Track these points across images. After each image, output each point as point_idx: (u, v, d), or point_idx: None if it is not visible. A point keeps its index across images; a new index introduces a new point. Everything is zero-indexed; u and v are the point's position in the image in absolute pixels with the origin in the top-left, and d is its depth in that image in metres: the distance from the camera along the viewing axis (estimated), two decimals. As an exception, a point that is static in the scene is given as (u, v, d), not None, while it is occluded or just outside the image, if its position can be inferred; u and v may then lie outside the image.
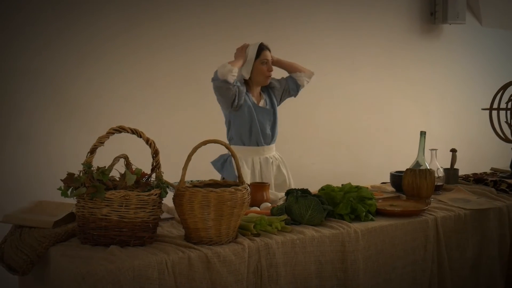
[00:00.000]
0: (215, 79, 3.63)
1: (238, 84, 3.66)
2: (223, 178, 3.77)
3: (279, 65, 3.93)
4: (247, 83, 3.80)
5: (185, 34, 4.78)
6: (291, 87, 3.94)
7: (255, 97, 3.82)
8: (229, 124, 3.80)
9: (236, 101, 3.67)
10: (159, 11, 4.66)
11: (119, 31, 4.50)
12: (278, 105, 3.92)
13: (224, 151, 3.73)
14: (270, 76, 3.81)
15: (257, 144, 3.78)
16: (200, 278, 2.21)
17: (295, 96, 4.01)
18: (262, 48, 3.77)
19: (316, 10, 5.44)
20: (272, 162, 3.84)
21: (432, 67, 6.22)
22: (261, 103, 3.84)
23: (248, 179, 3.67)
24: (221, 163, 3.81)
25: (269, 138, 3.83)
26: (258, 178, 3.76)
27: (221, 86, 3.61)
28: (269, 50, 3.82)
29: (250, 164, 3.77)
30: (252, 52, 3.75)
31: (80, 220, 2.27)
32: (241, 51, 3.76)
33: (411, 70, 6.06)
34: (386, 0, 5.87)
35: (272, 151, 3.88)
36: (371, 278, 2.63)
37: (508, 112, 3.76)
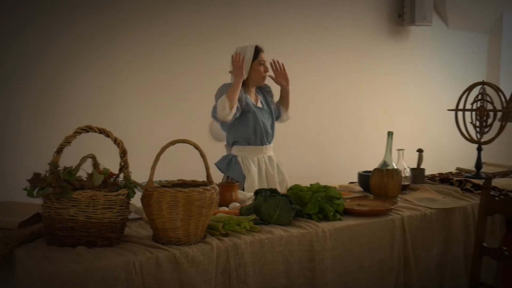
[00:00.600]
0: (214, 117, 3.74)
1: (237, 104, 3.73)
2: (228, 178, 3.87)
3: (284, 93, 4.02)
4: (243, 83, 3.84)
5: (153, 33, 4.75)
6: (275, 112, 4.03)
7: (252, 97, 3.90)
8: (230, 128, 3.85)
9: (238, 114, 3.75)
10: (128, 12, 4.64)
11: (89, 31, 4.46)
12: None
13: (223, 151, 3.92)
14: (266, 77, 3.88)
15: (261, 143, 3.87)
16: (168, 278, 2.20)
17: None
18: (259, 49, 3.86)
19: (284, 11, 5.45)
20: (274, 161, 3.96)
21: (400, 68, 6.29)
22: (258, 104, 3.92)
23: (255, 178, 3.79)
24: (226, 164, 3.87)
25: (271, 136, 3.94)
26: (264, 176, 3.86)
27: (221, 123, 3.76)
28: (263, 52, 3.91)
29: (257, 163, 3.86)
30: (249, 53, 3.82)
31: (46, 221, 2.24)
32: (240, 68, 3.73)
33: (379, 71, 6.12)
34: (354, 1, 5.91)
35: (271, 150, 3.97)
36: (339, 277, 2.66)
37: (473, 113, 3.82)
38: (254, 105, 3.86)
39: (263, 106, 3.94)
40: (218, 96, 3.77)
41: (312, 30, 5.62)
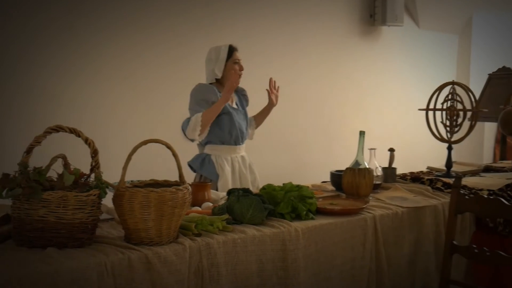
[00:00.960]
0: (183, 129, 3.73)
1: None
2: (201, 177, 3.86)
3: (267, 111, 4.10)
4: (219, 82, 3.85)
5: (126, 33, 4.72)
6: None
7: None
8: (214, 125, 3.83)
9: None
10: (100, 13, 4.60)
11: (60, 31, 4.41)
12: None
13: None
14: (240, 76, 3.87)
15: (235, 143, 3.87)
16: (140, 279, 2.19)
17: None
18: (233, 48, 3.87)
19: (257, 11, 5.46)
20: (246, 161, 3.97)
21: (371, 68, 6.33)
22: (234, 105, 3.94)
23: (229, 178, 3.78)
24: (199, 163, 3.86)
25: (245, 137, 3.95)
26: (238, 176, 3.86)
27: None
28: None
29: (230, 163, 3.85)
30: (223, 53, 3.83)
31: (16, 222, 2.20)
32: (230, 90, 3.71)
33: (350, 70, 6.16)
34: (326, 1, 5.94)
35: (244, 151, 3.99)
36: (312, 276, 2.67)
37: (444, 112, 3.87)
38: (230, 106, 3.86)
39: (238, 107, 3.95)
40: (193, 96, 3.77)
41: (285, 30, 5.63)
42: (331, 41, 5.99)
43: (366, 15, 6.22)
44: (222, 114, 3.78)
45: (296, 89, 5.74)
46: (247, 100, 4.07)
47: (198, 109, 3.70)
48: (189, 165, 3.88)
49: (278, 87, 4.04)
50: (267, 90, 4.01)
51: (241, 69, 3.87)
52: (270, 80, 4.02)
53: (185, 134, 3.74)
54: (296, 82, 5.73)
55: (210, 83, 3.87)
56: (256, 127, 4.17)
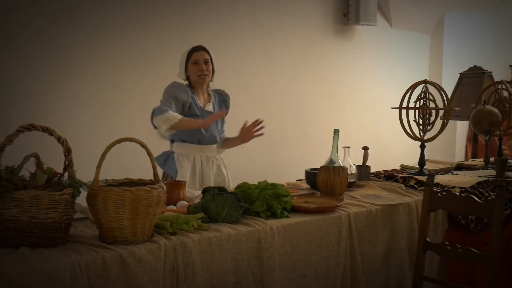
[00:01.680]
0: (151, 118, 3.66)
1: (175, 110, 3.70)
2: (164, 174, 3.87)
3: (236, 143, 3.96)
4: (190, 84, 3.85)
5: (102, 31, 4.69)
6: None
7: (202, 99, 3.88)
8: None
9: (186, 111, 3.76)
10: (78, 12, 4.56)
11: (33, 29, 4.37)
12: None
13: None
14: (203, 75, 3.81)
15: (199, 143, 3.83)
16: (115, 278, 2.17)
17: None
18: (195, 49, 3.83)
19: (231, 9, 5.45)
20: (213, 161, 3.91)
21: (345, 67, 6.36)
22: (209, 106, 3.88)
23: (187, 175, 3.75)
24: (163, 159, 3.86)
25: (213, 139, 3.88)
26: (198, 175, 3.83)
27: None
28: (206, 51, 3.84)
29: (191, 161, 3.83)
30: (183, 56, 3.83)
31: (-12, 222, 2.18)
32: (213, 120, 3.72)
33: (325, 69, 6.18)
34: (300, 1, 5.95)
35: (215, 151, 3.93)
36: (287, 274, 2.67)
37: (417, 111, 3.90)
38: (201, 108, 3.83)
39: (214, 109, 3.90)
40: (166, 92, 3.75)
41: (258, 29, 5.63)
42: (305, 40, 6.01)
43: (339, 14, 6.25)
44: (190, 115, 3.76)
45: (271, 88, 5.74)
46: (227, 106, 4.02)
47: (169, 105, 3.66)
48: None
49: (262, 127, 3.85)
50: (244, 128, 3.84)
51: (201, 69, 3.80)
52: (256, 121, 3.83)
53: (152, 118, 3.65)
54: (271, 82, 5.74)
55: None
56: (221, 148, 3.99)
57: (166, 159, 3.86)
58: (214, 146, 3.92)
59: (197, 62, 3.80)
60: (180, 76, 3.88)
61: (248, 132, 3.84)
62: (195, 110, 3.79)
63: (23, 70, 4.35)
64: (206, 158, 3.89)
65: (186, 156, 3.83)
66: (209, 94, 3.95)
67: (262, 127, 3.84)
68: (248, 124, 3.83)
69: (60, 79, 4.52)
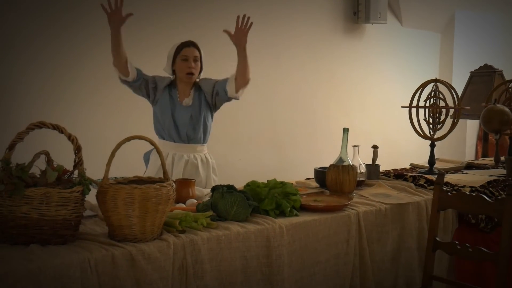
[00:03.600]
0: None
1: (143, 79, 3.66)
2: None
3: (239, 58, 3.65)
4: (175, 77, 3.74)
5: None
6: (220, 92, 3.73)
7: (182, 93, 3.73)
8: (153, 116, 3.79)
9: (152, 96, 3.70)
10: (90, 11, 4.57)
11: (44, 27, 4.38)
12: (214, 110, 3.83)
13: None
14: (190, 73, 3.66)
15: (174, 140, 3.71)
16: (124, 276, 2.18)
17: (231, 100, 3.79)
18: (185, 44, 3.68)
19: (240, 8, 5.44)
20: (188, 161, 3.71)
21: (355, 65, 6.35)
22: (186, 101, 3.72)
23: (154, 172, 3.64)
24: (148, 156, 3.82)
25: (185, 137, 3.71)
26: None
27: (127, 86, 3.67)
28: (197, 47, 3.71)
29: (165, 158, 3.63)
30: (172, 48, 3.70)
31: (-2, 219, 2.19)
32: (113, 15, 3.43)
33: (334, 68, 6.17)
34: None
35: (192, 151, 3.75)
36: (296, 272, 2.67)
37: (427, 110, 3.89)
38: (174, 100, 3.70)
39: (191, 102, 3.71)
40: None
41: (269, 28, 5.63)
42: (315, 38, 6.00)
43: (349, 13, 6.24)
44: (161, 101, 3.69)
45: (281, 87, 5.74)
46: (207, 85, 3.74)
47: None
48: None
49: (249, 23, 3.59)
50: (225, 31, 3.58)
51: (189, 66, 3.64)
52: (238, 17, 3.60)
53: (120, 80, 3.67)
54: (281, 80, 5.74)
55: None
56: (243, 85, 3.71)
57: (149, 155, 3.80)
58: (191, 145, 3.74)
59: (187, 58, 3.65)
60: (166, 70, 3.75)
61: (240, 33, 3.57)
62: (162, 99, 3.69)
63: (35, 69, 4.38)
64: (180, 157, 3.69)
65: (158, 153, 3.57)
66: (192, 89, 3.75)
67: (248, 19, 3.57)
68: (235, 28, 3.57)
69: (71, 78, 4.54)
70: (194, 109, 3.73)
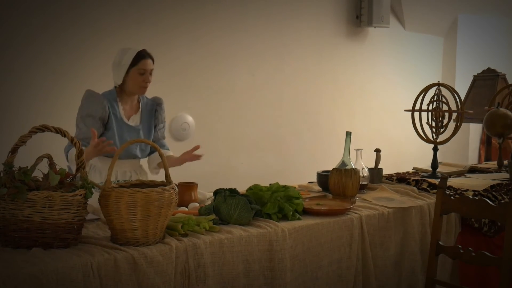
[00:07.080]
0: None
1: (102, 126, 3.32)
2: None
3: (174, 163, 3.40)
4: (122, 89, 3.40)
5: (123, 35, 4.71)
6: (155, 138, 3.55)
7: (127, 108, 3.45)
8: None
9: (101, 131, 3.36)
10: (99, 13, 4.58)
11: (44, 29, 4.39)
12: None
13: None
14: (146, 87, 3.38)
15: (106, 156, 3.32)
16: (126, 279, 2.18)
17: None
18: (142, 55, 3.36)
19: (244, 11, 5.45)
20: (131, 176, 3.44)
21: (358, 69, 6.35)
22: (133, 119, 3.46)
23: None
24: (69, 149, 3.38)
25: (131, 154, 3.44)
26: None
27: None
28: (152, 59, 3.41)
29: (105, 176, 3.09)
30: (128, 58, 3.33)
31: (1, 222, 2.19)
32: (94, 154, 3.08)
33: (337, 71, 6.17)
34: (313, 2, 5.95)
35: (136, 166, 3.51)
36: (298, 276, 2.67)
37: (429, 113, 3.89)
38: (121, 120, 3.39)
39: (140, 121, 3.46)
40: (80, 109, 3.38)
41: (271, 32, 5.63)
42: (318, 42, 6.00)
43: (352, 16, 6.24)
44: (107, 129, 3.34)
45: (282, 90, 5.74)
46: (158, 116, 3.55)
47: (82, 127, 3.28)
48: None
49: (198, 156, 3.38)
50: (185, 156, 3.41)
51: (146, 80, 3.35)
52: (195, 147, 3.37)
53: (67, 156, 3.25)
54: (282, 83, 5.73)
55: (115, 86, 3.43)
56: (158, 167, 3.56)
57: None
58: (134, 161, 3.49)
59: (144, 72, 3.34)
60: (116, 80, 3.38)
61: (188, 157, 3.39)
62: (112, 123, 3.35)
63: (36, 72, 4.37)
64: (123, 173, 3.41)
65: (103, 170, 3.31)
66: (138, 101, 3.50)
67: (198, 154, 3.38)
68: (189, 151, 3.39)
69: (73, 81, 4.54)
70: (146, 126, 3.50)
